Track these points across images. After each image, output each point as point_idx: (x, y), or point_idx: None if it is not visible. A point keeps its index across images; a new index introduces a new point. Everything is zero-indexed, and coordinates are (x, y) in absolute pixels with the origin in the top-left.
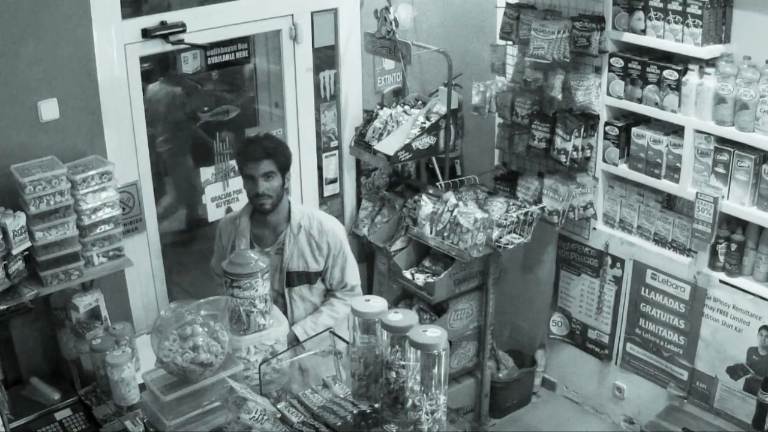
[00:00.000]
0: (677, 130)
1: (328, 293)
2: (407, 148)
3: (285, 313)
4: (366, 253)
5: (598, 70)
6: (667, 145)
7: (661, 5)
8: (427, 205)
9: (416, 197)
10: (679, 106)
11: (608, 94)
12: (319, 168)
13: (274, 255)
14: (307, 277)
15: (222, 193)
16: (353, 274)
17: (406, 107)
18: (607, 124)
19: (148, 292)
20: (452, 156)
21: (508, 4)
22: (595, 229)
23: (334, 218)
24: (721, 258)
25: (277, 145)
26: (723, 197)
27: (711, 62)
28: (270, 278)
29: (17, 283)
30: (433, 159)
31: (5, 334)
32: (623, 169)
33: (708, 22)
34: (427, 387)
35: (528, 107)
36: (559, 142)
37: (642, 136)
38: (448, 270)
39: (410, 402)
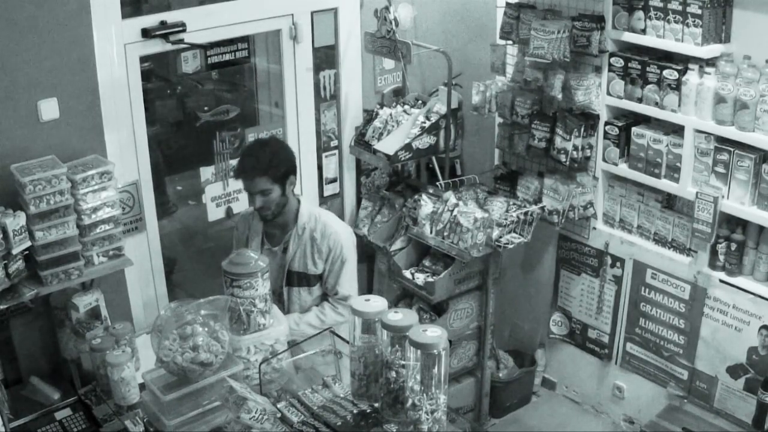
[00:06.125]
0: (677, 130)
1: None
2: (407, 147)
3: (282, 311)
4: (366, 252)
5: (598, 70)
6: (667, 145)
7: (661, 5)
8: (427, 205)
9: (416, 197)
10: (679, 105)
11: (608, 93)
12: (319, 168)
13: (280, 254)
14: (307, 280)
15: (222, 193)
16: (348, 284)
17: (406, 107)
18: (607, 123)
19: (148, 292)
20: (452, 156)
21: (508, 4)
22: (595, 228)
23: (344, 224)
24: (721, 257)
25: (272, 158)
26: (723, 197)
27: (711, 62)
28: (272, 276)
29: (17, 282)
30: (433, 159)
31: (5, 333)
32: (623, 169)
33: (708, 21)
34: (427, 387)
35: (528, 107)
36: (559, 142)
37: (642, 135)
38: (448, 270)
39: (410, 402)
